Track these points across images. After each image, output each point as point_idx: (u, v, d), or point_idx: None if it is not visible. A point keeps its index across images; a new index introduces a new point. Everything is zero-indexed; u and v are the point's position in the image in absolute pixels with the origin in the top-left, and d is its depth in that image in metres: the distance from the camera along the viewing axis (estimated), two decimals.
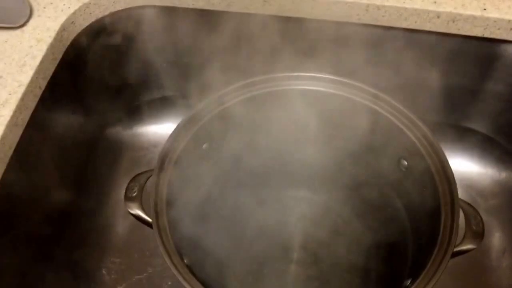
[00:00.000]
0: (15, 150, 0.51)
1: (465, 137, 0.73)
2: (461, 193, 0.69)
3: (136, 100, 0.74)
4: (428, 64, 0.65)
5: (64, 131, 0.64)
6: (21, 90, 0.51)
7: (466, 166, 0.74)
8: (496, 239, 0.69)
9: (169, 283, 0.67)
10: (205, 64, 0.66)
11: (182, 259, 0.49)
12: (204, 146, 0.58)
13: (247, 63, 0.63)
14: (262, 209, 0.69)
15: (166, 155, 0.53)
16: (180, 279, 0.46)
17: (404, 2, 0.59)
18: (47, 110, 0.58)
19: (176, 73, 0.72)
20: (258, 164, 0.62)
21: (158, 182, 0.52)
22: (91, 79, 0.66)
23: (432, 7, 0.59)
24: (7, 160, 0.49)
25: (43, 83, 0.55)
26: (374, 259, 0.65)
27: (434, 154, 0.53)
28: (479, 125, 0.72)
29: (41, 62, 0.55)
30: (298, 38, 0.62)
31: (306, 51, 0.61)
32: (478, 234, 0.52)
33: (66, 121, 0.65)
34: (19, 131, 0.51)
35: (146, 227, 0.51)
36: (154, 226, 0.49)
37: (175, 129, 0.54)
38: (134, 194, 0.54)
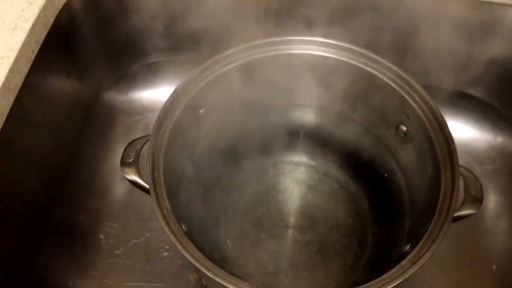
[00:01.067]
0: (9, 116, 0.50)
1: (460, 102, 0.73)
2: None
3: (131, 65, 0.73)
4: (428, 27, 0.64)
5: (58, 96, 0.63)
6: (13, 54, 0.50)
7: (462, 131, 0.74)
8: (491, 203, 0.69)
9: (167, 247, 0.67)
10: (200, 28, 0.65)
11: (180, 226, 0.49)
12: (201, 111, 0.58)
13: (243, 27, 0.62)
14: (259, 175, 0.69)
15: (163, 120, 0.52)
16: (179, 246, 0.46)
17: None
18: (40, 74, 0.57)
19: (170, 37, 0.70)
20: (254, 130, 0.61)
21: (155, 147, 0.51)
22: (85, 44, 0.64)
23: None
24: (0, 126, 0.49)
25: (36, 47, 0.54)
26: (371, 224, 0.65)
27: (434, 119, 0.53)
28: (475, 89, 0.71)
29: (33, 25, 0.53)
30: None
31: (310, 17, 0.60)
32: (477, 199, 0.52)
33: (60, 85, 0.64)
34: (11, 96, 0.50)
35: (142, 192, 0.51)
36: (152, 192, 0.48)
37: (172, 94, 0.53)
38: (131, 160, 0.54)
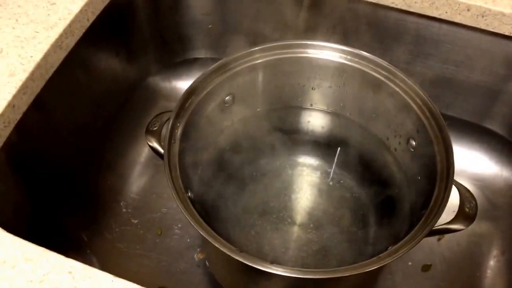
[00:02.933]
0: (56, 72, 0.57)
1: (483, 137, 0.75)
2: (473, 191, 0.72)
3: (178, 57, 0.80)
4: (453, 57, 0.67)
5: (105, 69, 0.70)
6: (70, 17, 0.57)
7: (483, 166, 0.75)
8: (497, 239, 0.70)
9: (179, 225, 0.72)
10: (247, 31, 0.71)
11: (186, 192, 0.53)
12: (227, 98, 0.63)
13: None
14: (277, 172, 0.73)
15: (188, 97, 0.58)
16: (178, 203, 0.50)
17: None
18: (92, 44, 0.63)
19: (218, 36, 0.76)
20: (274, 127, 0.66)
21: (176, 120, 0.56)
22: (138, 28, 0.71)
23: None
24: (47, 77, 0.55)
25: (92, 17, 0.60)
26: (374, 235, 0.67)
27: (441, 138, 0.55)
28: (498, 126, 0.73)
29: None
30: (330, 13, 0.66)
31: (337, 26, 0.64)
32: (470, 217, 0.54)
33: (109, 60, 0.70)
34: (62, 54, 0.57)
35: None
36: (165, 156, 0.53)
37: (202, 75, 0.59)
38: (155, 129, 0.59)
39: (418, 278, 0.68)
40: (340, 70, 0.61)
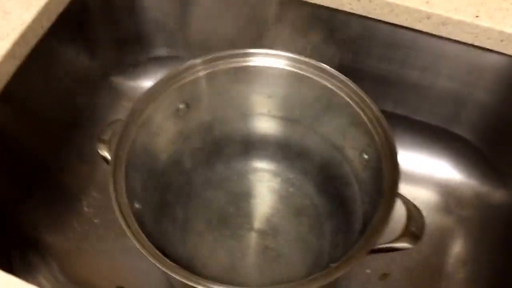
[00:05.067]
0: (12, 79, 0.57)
1: (453, 145, 0.73)
2: (437, 199, 0.70)
3: (140, 56, 0.79)
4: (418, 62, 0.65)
5: (67, 70, 0.69)
6: (23, 27, 0.56)
7: (450, 173, 0.74)
8: (458, 249, 0.69)
9: None
10: (207, 30, 0.70)
11: (132, 203, 0.53)
12: (181, 106, 0.62)
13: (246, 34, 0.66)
14: (238, 177, 0.72)
15: (137, 110, 0.57)
16: (118, 214, 0.50)
17: None
18: (49, 48, 0.63)
19: (180, 34, 0.75)
20: (225, 135, 0.65)
21: (126, 129, 0.56)
22: (97, 29, 0.71)
23: (423, 7, 0.58)
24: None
25: (47, 24, 0.60)
26: (329, 245, 0.67)
27: (390, 155, 0.54)
28: (467, 133, 0.71)
29: (47, 3, 0.60)
30: (288, 18, 0.64)
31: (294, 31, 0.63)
32: (415, 236, 0.53)
33: (70, 62, 0.70)
34: (16, 62, 0.57)
35: None
36: (111, 166, 0.53)
37: (154, 84, 0.58)
38: (106, 137, 0.59)
39: (375, 286, 0.68)
40: (294, 78, 0.60)
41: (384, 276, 0.68)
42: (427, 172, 0.75)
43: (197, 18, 0.72)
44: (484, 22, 0.57)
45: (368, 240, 0.49)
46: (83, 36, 0.69)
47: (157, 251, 0.48)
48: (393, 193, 0.51)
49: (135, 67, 0.80)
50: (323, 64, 0.57)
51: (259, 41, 0.65)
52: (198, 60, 0.57)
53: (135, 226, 0.49)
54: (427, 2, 0.58)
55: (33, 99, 0.65)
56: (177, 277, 0.47)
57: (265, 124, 0.66)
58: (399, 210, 0.54)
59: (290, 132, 0.66)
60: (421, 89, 0.69)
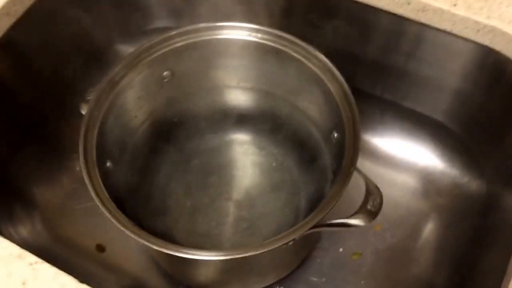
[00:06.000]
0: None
1: (437, 132, 0.74)
2: (418, 185, 0.71)
3: (141, 27, 0.82)
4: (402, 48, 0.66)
5: (68, 35, 0.73)
6: None
7: (434, 162, 0.75)
8: (430, 235, 0.70)
9: None
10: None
11: (103, 164, 0.56)
12: (165, 73, 0.64)
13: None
14: (223, 148, 0.75)
15: (116, 75, 0.60)
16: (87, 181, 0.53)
17: None
18: (48, 9, 0.66)
19: (187, 6, 0.78)
20: (200, 107, 0.68)
21: (103, 92, 0.58)
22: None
23: None
24: None
25: None
26: (302, 219, 0.68)
27: (353, 135, 0.55)
28: (452, 122, 0.72)
29: None
30: None
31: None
32: (371, 214, 0.54)
33: (72, 27, 0.73)
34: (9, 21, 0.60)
35: None
36: (83, 123, 0.55)
37: (133, 51, 0.61)
38: (90, 98, 0.62)
39: (346, 265, 0.69)
40: (263, 50, 0.62)
41: (356, 255, 0.70)
42: (410, 159, 0.76)
43: None
44: (461, 11, 0.57)
45: (317, 214, 0.51)
46: (84, 2, 0.72)
47: (114, 206, 0.51)
48: (349, 171, 0.52)
49: (140, 36, 0.83)
50: (291, 36, 0.59)
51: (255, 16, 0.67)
52: (173, 33, 0.60)
53: (99, 182, 0.52)
54: None
55: (30, 58, 0.68)
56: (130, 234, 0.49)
57: (239, 96, 0.68)
58: (362, 189, 0.56)
59: (268, 105, 0.68)
60: (406, 75, 0.70)
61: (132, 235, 0.49)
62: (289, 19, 0.70)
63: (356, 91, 0.75)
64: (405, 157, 0.76)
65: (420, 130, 0.75)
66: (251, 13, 0.72)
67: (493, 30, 0.56)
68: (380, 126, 0.78)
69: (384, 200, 0.73)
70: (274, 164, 0.73)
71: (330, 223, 0.54)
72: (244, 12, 0.73)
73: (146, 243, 0.48)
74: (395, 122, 0.77)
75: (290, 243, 0.51)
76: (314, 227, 0.51)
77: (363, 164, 0.76)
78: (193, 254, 0.47)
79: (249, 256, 0.49)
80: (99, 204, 0.50)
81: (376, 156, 0.77)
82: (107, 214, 0.50)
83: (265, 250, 0.49)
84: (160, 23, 0.81)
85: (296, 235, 0.50)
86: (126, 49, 0.82)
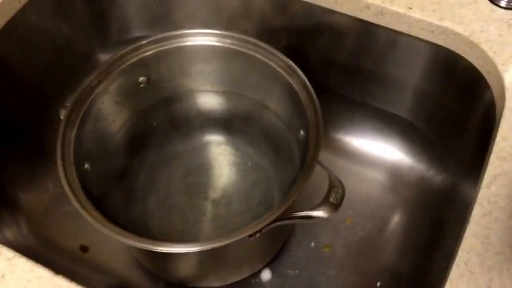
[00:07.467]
0: None
1: (405, 129, 0.77)
2: (386, 180, 0.75)
3: (127, 35, 0.85)
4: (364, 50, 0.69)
5: (49, 44, 0.76)
6: None
7: (402, 156, 0.78)
8: (394, 226, 0.73)
9: None
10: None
11: (81, 164, 0.59)
12: (141, 79, 0.68)
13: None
14: (201, 149, 0.78)
15: (95, 77, 0.63)
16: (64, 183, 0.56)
17: None
18: (28, 21, 0.70)
19: (164, 16, 0.81)
20: (177, 111, 0.72)
21: (80, 96, 0.62)
22: (78, 10, 0.77)
23: None
24: None
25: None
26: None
27: (316, 125, 0.59)
28: (417, 120, 0.75)
29: None
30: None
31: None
32: (333, 206, 0.57)
33: (52, 36, 0.76)
34: None
35: None
36: (60, 126, 0.59)
37: (106, 60, 0.64)
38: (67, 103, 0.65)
39: (318, 257, 0.72)
40: (229, 54, 0.65)
41: (327, 247, 0.73)
42: (380, 155, 0.79)
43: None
44: (416, 14, 0.61)
45: (279, 207, 0.54)
46: (64, 13, 0.76)
47: (91, 205, 0.54)
48: (311, 164, 0.56)
49: (119, 45, 0.86)
50: (256, 39, 0.62)
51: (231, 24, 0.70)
52: (144, 41, 0.63)
53: (75, 181, 0.55)
54: None
55: (12, 67, 0.71)
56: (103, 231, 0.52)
57: (213, 99, 0.72)
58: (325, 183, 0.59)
59: (240, 106, 0.71)
60: (373, 76, 0.73)
61: (106, 231, 0.52)
62: (258, 25, 0.73)
63: (328, 92, 0.80)
64: (375, 154, 0.79)
65: (388, 128, 0.78)
66: (223, 20, 0.76)
67: (446, 31, 0.60)
68: (351, 126, 0.81)
69: (355, 195, 0.77)
70: (249, 164, 0.77)
71: (294, 216, 0.56)
72: (218, 19, 0.77)
73: (117, 237, 0.51)
74: (365, 121, 0.81)
75: (257, 235, 0.54)
76: (277, 220, 0.54)
77: (336, 161, 0.80)
78: (162, 247, 0.50)
79: (217, 248, 0.52)
80: (73, 202, 0.53)
81: (348, 153, 0.80)
82: (81, 211, 0.53)
83: (229, 241, 0.52)
84: (138, 32, 0.85)
85: (258, 228, 0.53)
86: (107, 57, 0.85)
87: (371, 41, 0.69)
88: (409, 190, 0.76)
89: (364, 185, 0.77)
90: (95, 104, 0.63)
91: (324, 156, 0.78)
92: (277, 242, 0.71)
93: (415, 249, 0.69)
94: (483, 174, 0.47)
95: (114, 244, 0.74)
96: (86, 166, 0.61)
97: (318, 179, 0.59)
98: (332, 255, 0.72)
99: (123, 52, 0.63)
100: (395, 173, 0.77)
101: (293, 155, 0.68)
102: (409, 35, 0.64)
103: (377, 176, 0.78)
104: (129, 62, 0.64)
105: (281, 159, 0.72)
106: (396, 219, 0.74)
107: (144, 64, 0.65)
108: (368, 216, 0.75)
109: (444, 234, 0.64)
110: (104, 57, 0.86)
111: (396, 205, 0.75)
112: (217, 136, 0.77)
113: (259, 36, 0.64)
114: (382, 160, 0.79)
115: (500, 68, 0.55)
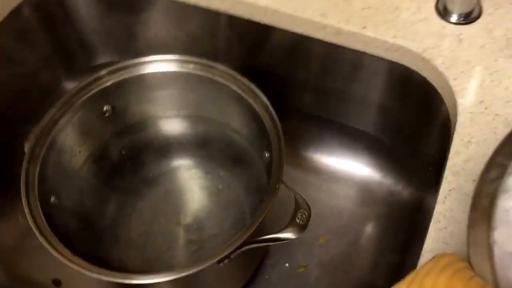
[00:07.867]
0: None
1: (372, 144, 0.78)
2: (357, 196, 0.75)
3: (92, 61, 0.86)
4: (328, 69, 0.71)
5: (15, 75, 0.76)
6: None
7: (370, 172, 0.79)
8: (365, 240, 0.74)
9: None
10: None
11: (47, 198, 0.59)
12: (105, 108, 0.68)
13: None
14: (170, 175, 0.78)
15: (58, 109, 0.63)
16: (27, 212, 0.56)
17: (296, 11, 0.65)
18: None
19: (128, 42, 0.82)
20: (145, 139, 0.72)
21: (44, 129, 0.62)
22: (41, 41, 0.77)
23: (318, 18, 0.64)
24: None
25: None
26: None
27: (278, 147, 0.59)
28: (384, 135, 0.76)
29: None
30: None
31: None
32: (300, 227, 0.58)
33: (19, 66, 0.77)
34: None
35: None
36: (24, 160, 0.59)
37: (70, 91, 0.64)
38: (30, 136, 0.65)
39: (293, 278, 0.73)
40: (191, 79, 0.66)
41: (302, 268, 0.73)
42: (349, 171, 0.80)
43: (140, 25, 0.78)
44: (370, 33, 0.62)
45: (244, 232, 0.54)
46: (27, 42, 0.76)
47: (57, 241, 0.53)
48: (274, 187, 0.56)
49: (85, 73, 0.86)
50: (217, 64, 0.63)
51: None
52: (103, 72, 0.64)
53: (42, 219, 0.55)
54: (322, 14, 0.64)
55: None
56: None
57: (179, 124, 0.72)
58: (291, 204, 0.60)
59: (207, 130, 0.72)
60: (337, 95, 0.75)
61: (73, 266, 0.52)
62: (221, 48, 0.74)
63: (295, 111, 0.81)
64: (344, 170, 0.80)
65: (356, 144, 0.79)
66: (187, 44, 0.77)
67: (400, 48, 0.61)
68: (320, 143, 0.82)
69: (327, 211, 0.78)
70: (220, 186, 0.77)
71: (261, 239, 0.57)
72: (182, 45, 0.78)
73: (83, 271, 0.51)
74: (334, 138, 0.82)
75: (225, 261, 0.54)
76: (244, 244, 0.54)
77: (306, 179, 0.80)
78: (127, 279, 0.50)
79: (187, 276, 0.53)
80: (40, 238, 0.53)
81: (318, 171, 0.81)
82: (48, 247, 0.53)
83: (196, 269, 0.52)
84: (104, 59, 0.85)
85: (225, 253, 0.53)
86: (73, 86, 0.86)
87: (334, 60, 0.70)
88: (379, 205, 0.76)
89: (335, 202, 0.78)
90: (59, 136, 0.63)
91: (294, 174, 0.80)
92: (250, 266, 0.71)
93: (388, 262, 0.70)
94: (439, 189, 0.48)
95: (85, 276, 0.73)
96: (53, 199, 0.61)
97: (287, 200, 0.60)
98: (308, 276, 0.73)
99: (84, 83, 0.64)
100: (364, 189, 0.78)
101: (262, 177, 0.69)
102: (364, 53, 0.65)
103: (347, 192, 0.79)
104: (92, 93, 0.64)
105: (250, 181, 0.73)
106: (368, 234, 0.74)
107: (106, 94, 0.65)
108: (340, 233, 0.75)
109: (416, 246, 0.65)
110: (70, 85, 0.86)
111: (367, 220, 0.76)
112: (186, 161, 0.78)
113: (222, 60, 0.65)
114: (351, 176, 0.79)
115: (452, 82, 0.56)
